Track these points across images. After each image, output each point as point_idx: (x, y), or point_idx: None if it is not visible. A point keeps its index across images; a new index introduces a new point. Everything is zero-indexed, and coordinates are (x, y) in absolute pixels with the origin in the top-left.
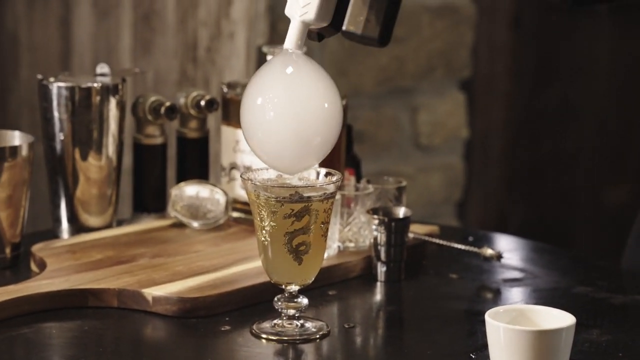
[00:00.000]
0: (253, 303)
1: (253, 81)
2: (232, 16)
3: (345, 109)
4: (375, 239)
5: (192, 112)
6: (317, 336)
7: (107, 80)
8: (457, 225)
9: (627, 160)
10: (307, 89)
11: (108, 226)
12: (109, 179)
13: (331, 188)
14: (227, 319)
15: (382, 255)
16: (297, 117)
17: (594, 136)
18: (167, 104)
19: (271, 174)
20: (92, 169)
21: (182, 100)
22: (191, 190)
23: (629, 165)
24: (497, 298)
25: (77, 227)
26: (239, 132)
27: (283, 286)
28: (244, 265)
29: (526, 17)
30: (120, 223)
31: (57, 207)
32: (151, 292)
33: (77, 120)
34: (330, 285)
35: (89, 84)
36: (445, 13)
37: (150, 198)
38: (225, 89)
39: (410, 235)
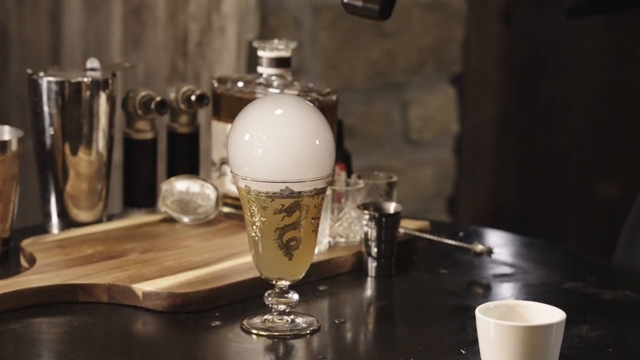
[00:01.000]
0: (243, 298)
1: (241, 117)
2: (222, 10)
3: (336, 104)
4: (366, 234)
5: (183, 107)
6: (308, 331)
7: (97, 74)
8: (447, 221)
9: (618, 155)
10: (296, 128)
11: (98, 221)
12: (99, 174)
13: (322, 183)
14: (217, 314)
15: (373, 251)
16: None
17: (584, 131)
18: (158, 98)
19: None
20: (82, 164)
21: (172, 95)
22: (181, 185)
23: (619, 160)
24: (487, 293)
25: (67, 222)
26: (230, 127)
27: (273, 281)
28: (235, 261)
29: (516, 12)
30: (110, 218)
31: (47, 202)
32: (141, 287)
33: (67, 115)
34: (320, 281)
35: (79, 79)
36: (435, 8)
37: (140, 193)
38: (215, 84)
39: (401, 230)
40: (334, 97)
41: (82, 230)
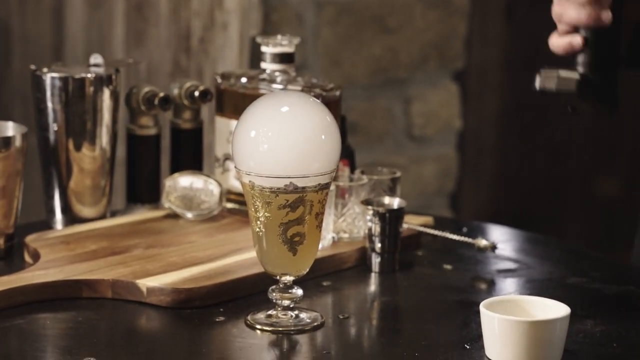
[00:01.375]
0: (247, 294)
1: (247, 113)
2: (225, 6)
3: (339, 99)
4: (370, 229)
5: (186, 102)
6: (312, 327)
7: (100, 70)
8: (450, 216)
9: (619, 152)
10: (302, 125)
11: (102, 217)
12: (103, 170)
13: (326, 179)
14: (221, 309)
15: (377, 246)
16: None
17: (585, 128)
18: (161, 94)
19: None
20: (85, 160)
21: (175, 91)
22: (185, 181)
23: (620, 157)
24: (491, 289)
25: (71, 218)
26: (233, 123)
27: (277, 277)
28: (239, 256)
29: (518, 8)
30: (114, 214)
31: (51, 198)
32: (145, 283)
33: (70, 111)
34: (324, 276)
35: (83, 75)
36: (438, 4)
37: (144, 189)
38: (218, 80)
39: (405, 226)
40: (337, 93)
41: (86, 226)
